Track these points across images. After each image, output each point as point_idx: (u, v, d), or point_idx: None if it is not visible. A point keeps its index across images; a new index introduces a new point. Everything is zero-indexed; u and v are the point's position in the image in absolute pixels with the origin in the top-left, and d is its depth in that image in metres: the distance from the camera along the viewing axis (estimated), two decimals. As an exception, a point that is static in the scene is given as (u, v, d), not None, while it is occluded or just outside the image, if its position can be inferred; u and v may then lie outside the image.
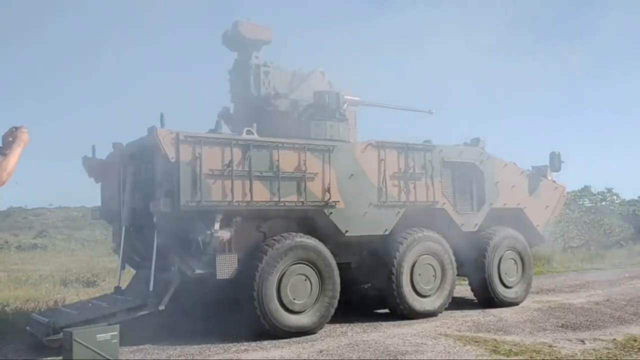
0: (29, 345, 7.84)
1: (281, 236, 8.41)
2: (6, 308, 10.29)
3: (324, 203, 8.69)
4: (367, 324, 9.18)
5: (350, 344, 7.83)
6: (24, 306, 10.68)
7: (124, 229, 8.92)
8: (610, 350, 7.37)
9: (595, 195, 32.02)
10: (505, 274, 10.85)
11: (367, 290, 11.11)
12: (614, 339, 8.01)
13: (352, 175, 9.02)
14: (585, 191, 31.99)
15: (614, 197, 31.80)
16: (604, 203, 31.65)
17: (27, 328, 7.97)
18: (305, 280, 8.47)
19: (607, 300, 11.47)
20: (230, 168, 7.92)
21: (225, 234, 7.94)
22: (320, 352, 7.41)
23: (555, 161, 11.82)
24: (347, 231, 8.92)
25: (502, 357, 7.00)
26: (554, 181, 12.00)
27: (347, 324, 9.07)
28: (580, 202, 31.82)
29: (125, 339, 7.29)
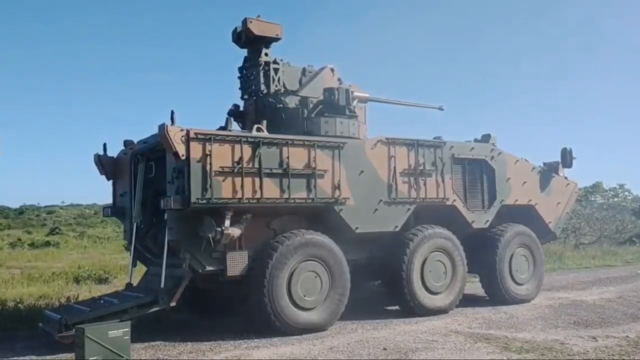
0: (42, 342, 7.91)
1: (291, 233, 8.42)
2: (19, 305, 10.38)
3: (334, 200, 8.69)
4: (377, 321, 9.18)
5: (361, 340, 7.83)
6: (37, 303, 10.78)
7: (135, 226, 8.97)
8: (623, 348, 7.32)
9: (607, 191, 31.76)
10: (517, 270, 10.81)
11: (378, 287, 11.11)
12: (627, 336, 7.97)
13: (362, 171, 9.01)
14: (597, 187, 31.74)
15: (626, 193, 31.53)
16: (616, 199, 31.38)
17: (40, 324, 8.04)
18: (316, 277, 8.48)
19: (620, 297, 11.40)
20: (240, 165, 7.93)
21: (236, 231, 7.96)
22: (331, 349, 7.42)
23: (567, 157, 11.74)
24: (357, 228, 8.91)
25: (513, 355, 6.98)
26: (565, 177, 11.93)
27: (358, 321, 9.07)
28: (592, 199, 31.58)
29: (137, 336, 7.33)
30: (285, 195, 8.28)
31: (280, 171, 8.27)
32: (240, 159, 7.94)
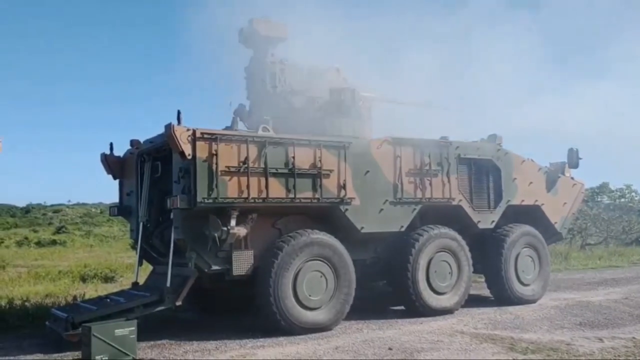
0: (49, 340, 7.95)
1: (297, 233, 8.43)
2: (26, 303, 10.44)
3: (339, 200, 8.70)
4: (382, 321, 9.18)
5: (366, 340, 7.83)
6: (44, 301, 10.84)
7: (141, 225, 9.01)
8: (629, 349, 7.30)
9: (613, 192, 31.62)
10: (522, 271, 10.77)
11: (383, 287, 11.10)
12: (633, 337, 7.93)
13: (367, 171, 9.01)
14: (603, 188, 31.60)
15: (633, 193, 31.34)
16: (622, 200, 31.22)
17: (47, 323, 8.08)
18: (321, 276, 8.49)
19: (626, 298, 11.35)
20: (246, 165, 7.95)
21: (242, 231, 7.98)
22: (336, 348, 7.42)
23: (573, 157, 11.70)
24: (362, 228, 8.92)
25: (518, 355, 6.96)
26: (572, 178, 11.88)
27: (363, 321, 9.07)
28: (599, 199, 31.45)
29: (143, 334, 7.36)
30: (291, 195, 8.30)
31: (286, 171, 8.28)
32: (246, 158, 7.96)
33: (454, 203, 9.94)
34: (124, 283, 13.02)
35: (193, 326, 9.12)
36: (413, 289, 9.34)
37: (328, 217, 8.93)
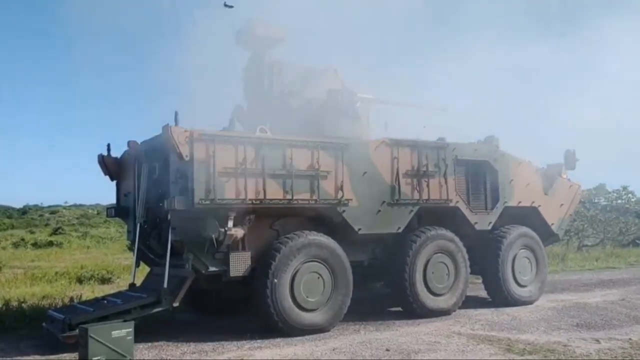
0: (46, 341, 7.93)
1: (294, 234, 8.43)
2: (23, 304, 10.40)
3: (337, 201, 8.70)
4: (380, 322, 9.18)
5: (363, 342, 7.84)
6: (40, 302, 10.82)
7: (138, 226, 9.00)
8: (626, 350, 7.32)
9: (610, 193, 31.66)
10: (519, 272, 10.79)
11: (380, 288, 11.11)
12: (630, 339, 7.96)
13: (365, 173, 9.02)
14: (600, 189, 31.63)
15: (630, 195, 31.38)
16: (619, 201, 31.24)
17: (44, 324, 8.07)
18: (318, 278, 8.49)
19: (623, 299, 11.37)
20: (243, 166, 7.95)
21: (239, 232, 7.98)
22: (333, 350, 7.42)
23: (570, 159, 11.72)
24: (360, 229, 8.92)
25: (516, 356, 6.98)
26: (569, 179, 11.91)
27: (360, 322, 9.07)
28: (596, 201, 31.49)
29: (140, 336, 7.35)
30: (289, 196, 8.30)
31: (283, 172, 8.28)
32: (244, 159, 7.96)
33: (451, 204, 9.95)
34: (121, 284, 12.99)
35: (190, 327, 9.11)
36: (410, 290, 9.34)
37: (325, 218, 8.93)
